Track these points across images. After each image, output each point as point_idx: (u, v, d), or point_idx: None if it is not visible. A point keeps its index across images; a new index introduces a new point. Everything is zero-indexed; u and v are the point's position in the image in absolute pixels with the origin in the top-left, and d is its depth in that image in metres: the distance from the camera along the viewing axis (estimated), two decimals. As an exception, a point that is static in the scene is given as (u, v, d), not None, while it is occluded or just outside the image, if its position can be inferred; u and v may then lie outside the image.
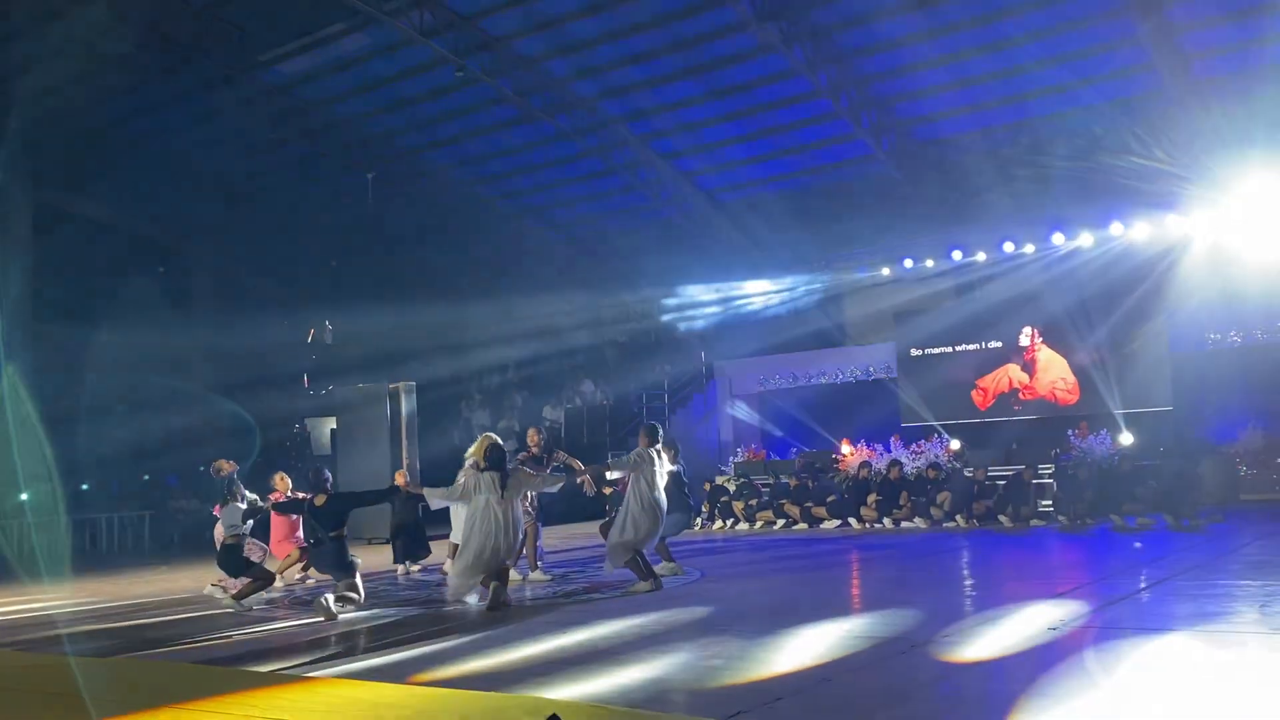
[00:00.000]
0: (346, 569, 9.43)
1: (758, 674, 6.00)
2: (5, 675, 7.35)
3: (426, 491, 9.81)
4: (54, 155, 20.59)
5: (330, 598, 9.08)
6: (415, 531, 12.81)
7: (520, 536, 9.33)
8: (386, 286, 24.04)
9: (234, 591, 9.91)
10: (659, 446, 10.14)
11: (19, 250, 20.64)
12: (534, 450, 11.35)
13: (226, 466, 10.36)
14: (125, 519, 20.17)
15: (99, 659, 7.66)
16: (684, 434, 25.21)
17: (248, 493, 10.31)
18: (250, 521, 10.18)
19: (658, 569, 10.25)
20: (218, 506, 10.36)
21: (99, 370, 20.39)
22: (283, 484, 11.49)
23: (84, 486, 20.33)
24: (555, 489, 10.37)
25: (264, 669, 6.95)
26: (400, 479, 12.58)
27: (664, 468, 10.14)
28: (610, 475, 10.67)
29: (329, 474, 9.95)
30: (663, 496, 9.92)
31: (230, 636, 8.44)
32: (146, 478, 21.15)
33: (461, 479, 9.58)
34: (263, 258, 23.87)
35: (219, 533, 10.39)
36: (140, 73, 20.42)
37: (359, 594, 9.50)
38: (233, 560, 9.86)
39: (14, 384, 20.04)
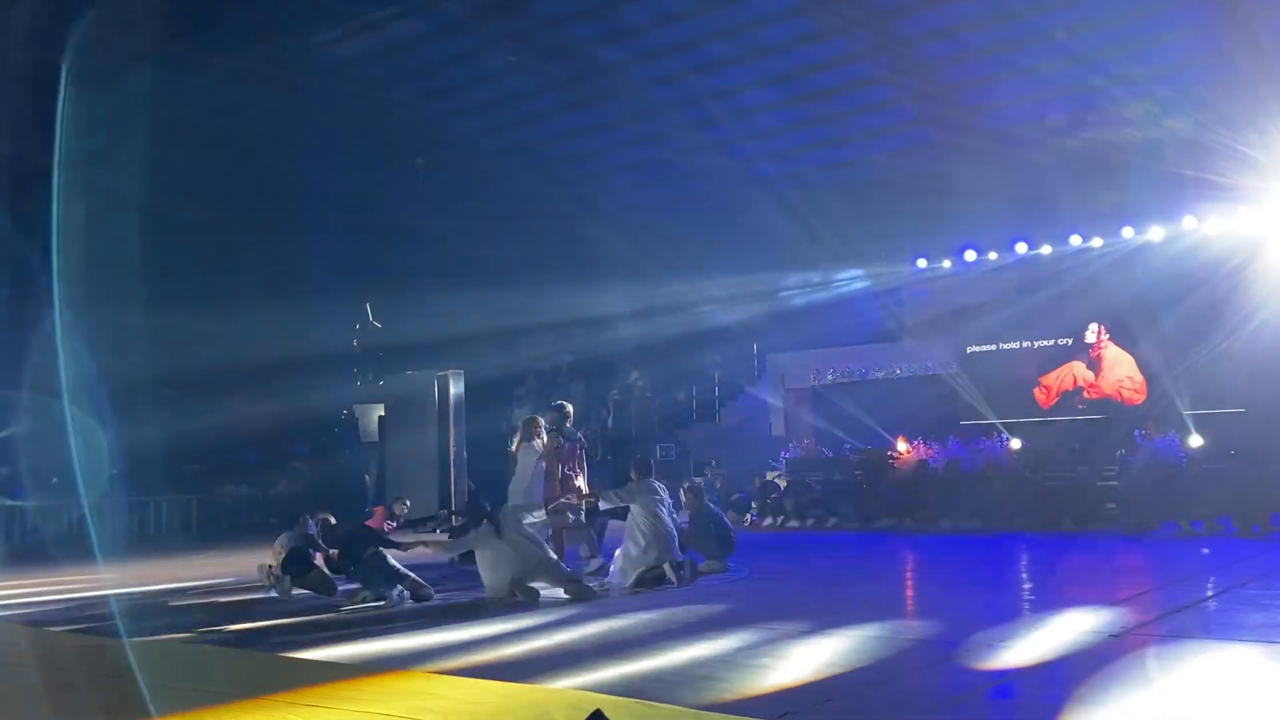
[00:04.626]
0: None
1: (807, 675, 5.88)
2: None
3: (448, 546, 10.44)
4: (98, 137, 20.58)
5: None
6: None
7: (535, 556, 9.34)
8: (436, 274, 23.90)
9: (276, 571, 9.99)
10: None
11: (70, 234, 20.71)
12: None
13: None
14: (173, 502, 20.27)
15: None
16: (734, 427, 24.90)
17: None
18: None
19: None
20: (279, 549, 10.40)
21: (143, 353, 20.46)
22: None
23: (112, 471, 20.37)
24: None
25: (296, 654, 6.96)
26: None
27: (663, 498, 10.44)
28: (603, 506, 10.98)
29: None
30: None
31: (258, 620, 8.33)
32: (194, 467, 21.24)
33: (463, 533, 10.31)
34: (311, 243, 23.87)
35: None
36: (186, 53, 20.37)
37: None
38: (300, 564, 9.91)
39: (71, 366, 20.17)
